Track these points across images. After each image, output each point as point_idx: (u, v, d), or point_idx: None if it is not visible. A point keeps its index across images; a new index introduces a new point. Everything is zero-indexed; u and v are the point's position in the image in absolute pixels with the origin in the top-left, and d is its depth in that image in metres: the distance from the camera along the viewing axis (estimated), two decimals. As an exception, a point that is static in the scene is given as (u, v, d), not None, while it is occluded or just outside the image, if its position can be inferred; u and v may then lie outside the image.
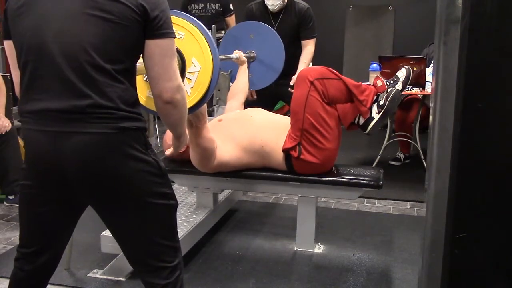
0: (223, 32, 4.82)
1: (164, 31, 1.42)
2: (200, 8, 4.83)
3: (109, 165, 1.39)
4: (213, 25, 3.74)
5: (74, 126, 1.36)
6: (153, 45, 1.42)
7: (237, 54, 3.16)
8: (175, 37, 1.47)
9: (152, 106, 1.89)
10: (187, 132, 1.74)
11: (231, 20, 4.89)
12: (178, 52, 1.91)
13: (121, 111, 1.38)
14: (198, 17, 5.05)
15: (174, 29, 1.49)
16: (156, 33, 1.41)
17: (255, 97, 3.69)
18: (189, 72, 1.96)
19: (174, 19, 1.49)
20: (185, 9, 4.85)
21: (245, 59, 3.20)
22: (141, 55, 1.46)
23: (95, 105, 1.35)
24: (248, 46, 3.37)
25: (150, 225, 1.50)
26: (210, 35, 1.95)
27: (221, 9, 4.88)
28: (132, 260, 1.57)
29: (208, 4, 4.80)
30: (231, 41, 3.41)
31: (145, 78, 1.92)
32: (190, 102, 1.99)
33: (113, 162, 1.40)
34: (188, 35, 1.94)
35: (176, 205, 1.56)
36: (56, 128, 1.37)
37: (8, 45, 1.51)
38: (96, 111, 1.36)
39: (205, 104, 2.11)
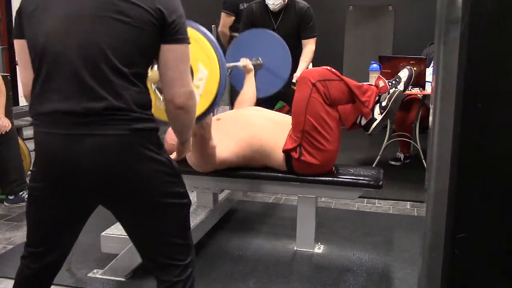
0: None
1: (180, 36, 1.43)
2: None
3: (123, 166, 1.40)
4: (213, 25, 3.72)
5: (87, 128, 1.36)
6: (168, 50, 1.42)
7: (244, 62, 3.14)
8: (189, 43, 1.47)
9: (159, 115, 1.88)
10: (190, 139, 1.74)
11: None
12: None
13: (134, 113, 1.38)
14: None
15: None
16: (172, 38, 1.42)
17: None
18: (197, 79, 1.95)
19: None
20: (235, 7, 4.62)
21: (252, 67, 3.18)
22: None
23: (110, 107, 1.35)
24: (255, 54, 3.34)
25: (164, 224, 1.50)
26: (214, 40, 1.95)
27: None
28: (144, 257, 1.58)
29: None
30: (238, 49, 3.39)
31: (153, 88, 1.90)
32: (198, 110, 1.94)
33: (127, 163, 1.40)
34: (192, 42, 1.92)
35: (189, 203, 1.57)
36: (70, 131, 1.37)
37: (19, 44, 1.49)
38: (110, 113, 1.36)
39: (211, 113, 2.09)
